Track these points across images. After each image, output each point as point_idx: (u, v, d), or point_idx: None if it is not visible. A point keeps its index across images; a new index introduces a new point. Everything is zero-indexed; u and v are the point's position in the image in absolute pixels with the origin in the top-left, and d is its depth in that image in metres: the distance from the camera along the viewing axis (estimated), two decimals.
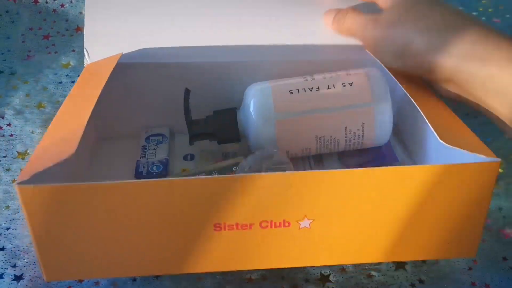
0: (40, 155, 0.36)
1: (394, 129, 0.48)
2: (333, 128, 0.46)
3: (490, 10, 0.78)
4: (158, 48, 0.50)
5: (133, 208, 0.35)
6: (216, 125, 0.48)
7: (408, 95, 0.42)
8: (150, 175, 0.49)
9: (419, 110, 0.39)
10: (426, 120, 0.38)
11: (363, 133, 0.46)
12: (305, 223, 0.37)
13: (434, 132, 0.37)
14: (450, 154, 0.36)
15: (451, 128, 0.40)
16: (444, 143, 0.36)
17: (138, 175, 0.49)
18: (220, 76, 0.52)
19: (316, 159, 0.51)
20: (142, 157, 0.51)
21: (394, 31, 0.45)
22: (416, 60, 0.44)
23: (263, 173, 0.34)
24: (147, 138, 0.53)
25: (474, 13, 0.78)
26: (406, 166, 0.36)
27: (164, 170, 0.49)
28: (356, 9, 0.49)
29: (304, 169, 0.49)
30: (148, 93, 0.53)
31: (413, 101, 0.41)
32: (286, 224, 0.37)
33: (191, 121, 0.48)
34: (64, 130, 0.40)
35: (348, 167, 0.50)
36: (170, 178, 0.35)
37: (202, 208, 0.36)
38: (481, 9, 0.79)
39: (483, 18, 0.77)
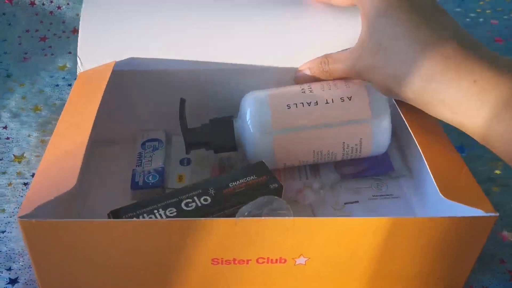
0: (41, 183, 0.37)
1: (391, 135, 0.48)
2: (331, 143, 0.46)
3: (488, 11, 0.78)
4: (152, 54, 0.50)
5: (133, 244, 0.37)
6: (212, 134, 0.48)
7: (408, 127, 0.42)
8: (146, 185, 0.49)
9: (421, 153, 0.40)
10: (428, 169, 0.38)
11: (360, 147, 0.47)
12: (300, 260, 0.38)
13: (435, 184, 0.37)
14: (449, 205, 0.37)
15: (450, 172, 0.40)
16: (444, 198, 0.36)
17: (134, 185, 0.49)
18: (215, 82, 0.51)
19: (312, 168, 0.51)
20: (138, 165, 0.51)
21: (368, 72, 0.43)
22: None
23: (262, 218, 0.36)
24: (143, 144, 0.53)
25: (472, 15, 0.78)
26: (397, 218, 0.37)
27: (159, 180, 0.49)
28: (330, 56, 0.48)
29: (300, 179, 0.50)
30: (143, 97, 0.53)
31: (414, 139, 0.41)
32: (282, 260, 0.38)
33: (187, 130, 0.48)
34: (64, 147, 0.40)
35: (343, 175, 0.50)
36: (171, 219, 0.37)
37: (201, 245, 0.37)
38: (479, 10, 0.79)
39: (481, 19, 0.77)
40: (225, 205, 0.43)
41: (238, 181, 0.44)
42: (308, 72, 0.48)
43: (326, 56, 0.48)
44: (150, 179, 0.49)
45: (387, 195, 0.49)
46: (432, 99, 0.39)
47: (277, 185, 0.44)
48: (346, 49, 0.46)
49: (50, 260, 0.37)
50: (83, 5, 0.49)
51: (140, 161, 0.51)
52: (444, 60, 0.38)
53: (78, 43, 0.49)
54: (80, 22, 0.49)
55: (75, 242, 0.36)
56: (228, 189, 0.44)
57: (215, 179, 0.45)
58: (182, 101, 0.47)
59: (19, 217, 0.34)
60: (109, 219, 0.37)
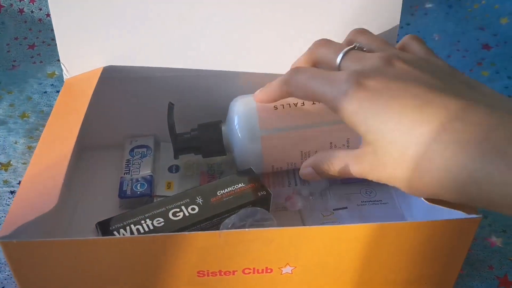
0: (22, 201, 0.36)
1: None
2: (318, 143, 0.46)
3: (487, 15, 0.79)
4: (136, 59, 0.50)
5: (118, 260, 0.36)
6: (201, 139, 0.48)
7: None
8: (134, 194, 0.48)
9: None
10: None
11: (348, 148, 0.46)
12: (287, 269, 0.38)
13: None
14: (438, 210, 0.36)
15: None
16: (428, 203, 0.36)
17: (123, 194, 0.48)
18: (203, 87, 0.51)
19: None
20: (126, 173, 0.50)
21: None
22: None
23: (246, 230, 0.35)
24: (131, 151, 0.53)
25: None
26: (381, 224, 0.36)
27: (148, 189, 0.49)
28: (323, 154, 0.42)
29: (289, 185, 0.50)
30: (131, 103, 0.53)
31: None
32: (269, 270, 0.38)
33: (175, 135, 0.47)
34: (49, 158, 0.40)
35: (332, 181, 0.50)
36: (155, 235, 0.36)
37: (186, 259, 0.36)
38: (470, 10, 0.79)
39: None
40: (213, 214, 0.42)
41: (226, 189, 0.44)
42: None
43: (321, 159, 0.42)
44: (139, 187, 0.49)
45: (376, 201, 0.49)
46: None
47: (265, 193, 0.44)
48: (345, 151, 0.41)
49: (34, 279, 0.37)
50: (51, 10, 0.47)
51: (128, 169, 0.51)
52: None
53: (59, 50, 0.48)
54: (54, 30, 0.47)
55: (58, 260, 0.36)
56: (216, 197, 0.43)
57: (203, 188, 0.45)
58: (171, 106, 0.47)
59: (0, 237, 0.33)
60: (90, 238, 0.36)
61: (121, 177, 0.50)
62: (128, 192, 0.48)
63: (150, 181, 0.49)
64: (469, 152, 0.30)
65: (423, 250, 0.38)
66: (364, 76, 0.34)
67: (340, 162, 0.40)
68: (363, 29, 0.42)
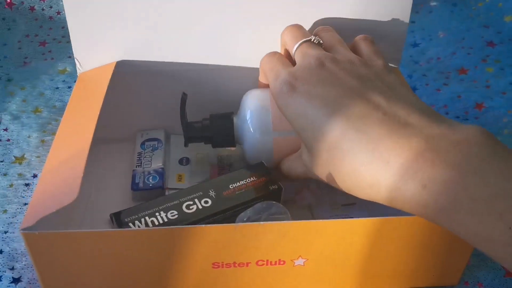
0: (43, 193, 0.37)
1: None
2: None
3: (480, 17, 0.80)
4: (149, 54, 0.50)
5: (135, 252, 0.37)
6: (212, 129, 0.48)
7: None
8: (146, 186, 0.49)
9: None
10: None
11: None
12: (299, 261, 0.39)
13: None
14: None
15: None
16: None
17: (135, 186, 0.49)
18: (215, 81, 0.52)
19: None
20: (138, 165, 0.51)
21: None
22: None
23: (261, 223, 0.36)
24: (142, 144, 0.53)
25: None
26: (390, 218, 0.37)
27: (160, 181, 0.49)
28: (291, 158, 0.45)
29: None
30: (143, 97, 0.53)
31: None
32: (282, 262, 0.39)
33: (187, 124, 0.48)
34: (67, 151, 0.40)
35: None
36: (171, 227, 0.37)
37: (202, 250, 0.37)
38: (474, 8, 0.80)
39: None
40: (226, 207, 0.43)
41: (238, 183, 0.45)
42: None
43: None
44: (151, 180, 0.50)
45: None
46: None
47: (276, 187, 0.45)
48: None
49: (54, 269, 0.37)
50: (65, 5, 0.47)
51: (140, 162, 0.52)
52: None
53: (72, 45, 0.49)
54: (68, 25, 0.48)
55: (78, 251, 0.36)
56: (228, 191, 0.44)
57: (215, 181, 0.45)
58: (184, 96, 0.47)
59: (22, 229, 0.34)
60: (110, 229, 0.37)
61: (133, 170, 0.51)
62: (141, 185, 0.49)
63: (161, 174, 0.50)
64: (359, 159, 0.33)
65: (431, 243, 0.39)
66: (296, 78, 0.38)
67: (290, 164, 0.45)
68: (328, 27, 0.44)
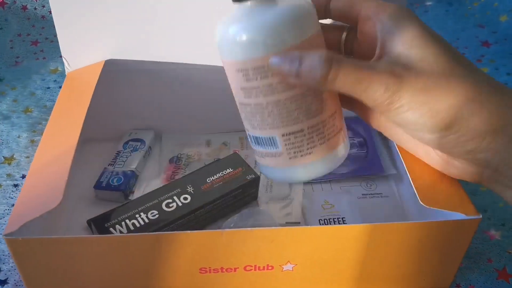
0: (27, 198, 0.36)
1: (382, 136, 0.48)
2: None
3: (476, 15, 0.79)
4: (137, 53, 0.50)
5: (121, 257, 0.36)
6: None
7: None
8: (108, 187, 0.48)
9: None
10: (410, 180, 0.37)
11: None
12: (288, 266, 0.38)
13: (416, 193, 0.36)
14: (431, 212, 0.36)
15: (432, 176, 0.39)
16: (424, 205, 0.35)
17: (98, 185, 0.48)
18: (204, 80, 0.51)
19: None
20: (111, 164, 0.50)
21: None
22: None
23: (247, 229, 0.36)
24: (126, 143, 0.53)
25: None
26: (380, 224, 0.36)
27: (123, 184, 0.48)
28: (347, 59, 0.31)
29: None
30: (133, 96, 0.52)
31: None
32: (270, 267, 0.38)
33: None
34: (53, 153, 0.39)
35: (335, 175, 0.50)
36: (158, 233, 0.36)
37: (189, 256, 0.37)
38: (469, 7, 0.79)
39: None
40: (205, 202, 0.42)
41: (215, 176, 0.44)
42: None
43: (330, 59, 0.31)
44: (115, 181, 0.48)
45: (377, 194, 0.49)
46: None
47: (253, 176, 0.44)
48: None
49: (38, 273, 0.37)
50: (51, 5, 0.47)
51: (114, 161, 0.51)
52: None
53: (60, 44, 0.48)
54: (55, 25, 0.47)
55: (61, 257, 0.36)
56: (206, 184, 0.44)
57: (192, 176, 0.45)
58: None
59: (5, 235, 0.33)
60: (94, 236, 0.36)
61: (105, 168, 0.50)
62: (104, 184, 0.48)
63: (129, 177, 0.49)
64: None
65: (422, 249, 0.38)
66: None
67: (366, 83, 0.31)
68: None
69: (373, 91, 0.30)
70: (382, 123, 0.37)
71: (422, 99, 0.31)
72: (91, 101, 0.44)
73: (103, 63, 0.48)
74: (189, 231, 0.35)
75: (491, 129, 0.31)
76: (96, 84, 0.45)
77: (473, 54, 0.71)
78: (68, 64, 0.49)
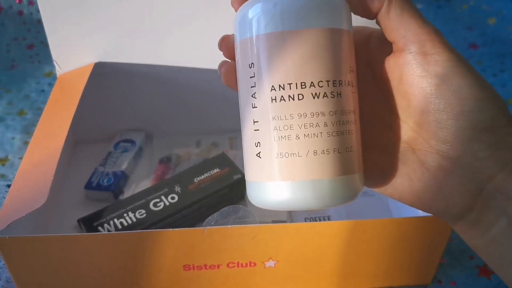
0: (14, 198, 0.37)
1: None
2: None
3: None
4: (127, 56, 0.50)
5: (106, 255, 0.37)
6: None
7: None
8: (98, 187, 0.48)
9: None
10: None
11: None
12: (270, 263, 0.38)
13: None
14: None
15: None
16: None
17: (88, 185, 0.48)
18: (194, 82, 0.51)
19: None
20: (102, 165, 0.50)
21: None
22: None
23: (228, 226, 0.36)
24: (116, 144, 0.53)
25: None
26: (359, 220, 0.37)
27: (113, 184, 0.48)
28: None
29: None
30: (123, 98, 0.53)
31: None
32: (252, 264, 0.38)
33: None
34: (40, 155, 0.40)
35: None
36: (141, 231, 0.36)
37: (172, 253, 0.37)
38: (458, 10, 0.80)
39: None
40: (192, 201, 0.43)
41: (202, 175, 0.45)
42: None
43: None
44: (105, 182, 0.49)
45: (363, 192, 0.50)
46: None
47: (240, 176, 0.44)
48: None
49: (27, 271, 0.37)
50: (40, 9, 0.47)
51: (105, 161, 0.51)
52: None
53: (50, 48, 0.48)
54: (45, 29, 0.47)
55: (49, 255, 0.36)
56: (193, 184, 0.44)
57: (180, 176, 0.45)
58: None
59: None
60: (80, 234, 0.36)
61: (96, 168, 0.50)
62: (94, 184, 0.48)
63: (119, 177, 0.49)
64: None
65: (402, 245, 0.39)
66: None
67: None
68: None
69: None
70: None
71: None
72: (82, 103, 0.44)
73: (92, 65, 0.48)
74: (171, 229, 0.35)
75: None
76: (87, 87, 0.46)
77: None
78: (59, 67, 0.49)
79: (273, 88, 0.25)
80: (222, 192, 0.44)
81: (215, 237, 0.36)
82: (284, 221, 0.46)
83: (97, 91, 0.50)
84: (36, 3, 0.69)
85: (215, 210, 0.45)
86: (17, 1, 0.69)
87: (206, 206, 0.44)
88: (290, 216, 0.47)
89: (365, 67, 0.29)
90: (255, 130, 0.25)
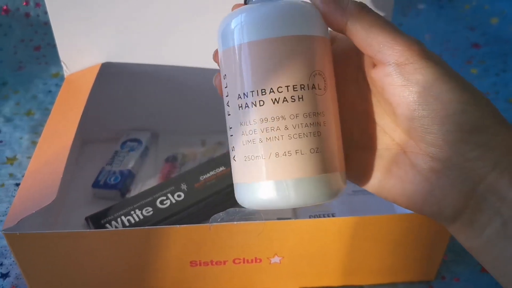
0: (24, 196, 0.37)
1: None
2: None
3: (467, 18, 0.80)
4: (134, 56, 0.50)
5: (114, 251, 0.37)
6: None
7: None
8: (105, 186, 0.49)
9: None
10: None
11: None
12: (275, 259, 0.39)
13: None
14: None
15: None
16: None
17: (96, 184, 0.49)
18: (200, 83, 0.52)
19: None
20: (109, 164, 0.51)
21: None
22: None
23: (234, 223, 0.36)
24: (123, 143, 0.54)
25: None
26: (363, 217, 0.37)
27: (120, 182, 0.49)
28: None
29: None
30: (129, 97, 0.53)
31: None
32: (258, 260, 0.39)
33: None
34: (48, 154, 0.41)
35: None
36: (149, 228, 0.37)
37: (179, 249, 0.37)
38: (461, 10, 0.80)
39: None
40: (198, 199, 0.43)
41: (208, 174, 0.45)
42: None
43: None
44: (112, 180, 0.49)
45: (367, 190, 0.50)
46: None
47: None
48: None
49: (37, 267, 0.38)
50: (48, 10, 0.47)
51: (112, 160, 0.51)
52: None
53: (58, 49, 0.49)
54: (53, 30, 0.48)
55: (58, 251, 0.37)
56: (199, 182, 0.45)
57: (186, 174, 0.46)
58: None
59: (3, 230, 0.34)
60: (88, 230, 0.37)
61: (103, 167, 0.51)
62: (101, 183, 0.49)
63: (126, 176, 0.50)
64: None
65: (405, 241, 0.39)
66: None
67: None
68: None
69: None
70: None
71: None
72: (89, 103, 0.45)
73: (99, 66, 0.49)
74: (178, 225, 0.36)
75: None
76: (94, 87, 0.46)
77: (463, 56, 0.72)
78: (67, 67, 0.50)
79: (239, 96, 0.27)
80: (227, 190, 0.45)
81: (222, 233, 0.36)
82: (289, 219, 0.46)
83: (104, 91, 0.50)
84: (42, 5, 0.70)
85: (221, 208, 0.46)
86: (24, 3, 0.70)
87: (212, 204, 0.45)
88: (294, 213, 0.47)
89: (357, 71, 0.30)
90: (230, 135, 0.28)
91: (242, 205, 0.28)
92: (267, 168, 0.26)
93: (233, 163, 0.28)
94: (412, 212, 0.35)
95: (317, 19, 0.27)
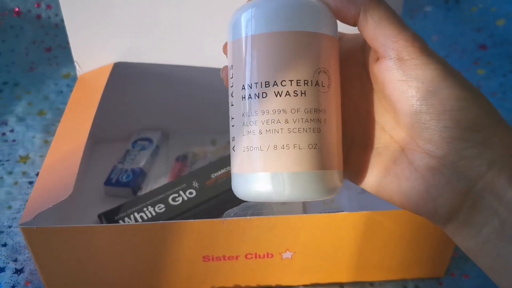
0: (41, 190, 0.38)
1: None
2: None
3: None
4: (146, 55, 0.51)
5: (129, 246, 0.38)
6: None
7: None
8: (118, 183, 0.49)
9: None
10: None
11: None
12: (287, 254, 0.39)
13: None
14: None
15: None
16: None
17: (108, 181, 0.50)
18: (211, 83, 0.53)
19: None
20: (121, 162, 0.52)
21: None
22: None
23: (247, 217, 0.37)
24: (134, 142, 0.54)
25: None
26: (374, 212, 0.37)
27: (132, 180, 0.50)
28: None
29: None
30: (141, 96, 0.54)
31: None
32: (270, 255, 0.39)
33: None
34: (63, 151, 0.41)
35: None
36: (163, 222, 0.37)
37: (192, 244, 0.38)
38: (467, 13, 0.81)
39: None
40: (209, 196, 0.44)
41: (219, 171, 0.46)
42: None
43: None
44: (124, 178, 0.50)
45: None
46: None
47: None
48: None
49: (52, 261, 0.38)
50: (63, 12, 0.48)
51: (124, 158, 0.52)
52: None
53: (72, 48, 0.50)
54: (67, 30, 0.49)
55: (73, 245, 0.37)
56: (210, 180, 0.45)
57: (197, 172, 0.46)
58: None
59: (20, 224, 0.35)
60: (103, 225, 0.37)
61: (115, 165, 0.51)
62: (113, 181, 0.50)
63: (138, 174, 0.51)
64: None
65: (416, 238, 0.39)
66: None
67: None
68: None
69: None
70: None
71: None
72: (102, 103, 0.45)
73: (112, 65, 0.50)
74: (191, 220, 0.36)
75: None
76: (106, 86, 0.47)
77: (470, 57, 0.73)
78: (80, 67, 0.51)
79: (243, 87, 0.27)
80: None
81: (234, 228, 0.37)
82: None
83: (116, 90, 0.51)
84: (54, 8, 0.71)
85: (232, 205, 0.46)
86: (36, 5, 0.71)
87: (223, 201, 0.45)
88: (305, 213, 0.47)
89: (361, 70, 0.30)
90: (232, 126, 0.28)
91: (237, 195, 0.28)
92: (264, 159, 0.26)
93: (232, 153, 0.28)
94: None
95: (326, 18, 0.27)
